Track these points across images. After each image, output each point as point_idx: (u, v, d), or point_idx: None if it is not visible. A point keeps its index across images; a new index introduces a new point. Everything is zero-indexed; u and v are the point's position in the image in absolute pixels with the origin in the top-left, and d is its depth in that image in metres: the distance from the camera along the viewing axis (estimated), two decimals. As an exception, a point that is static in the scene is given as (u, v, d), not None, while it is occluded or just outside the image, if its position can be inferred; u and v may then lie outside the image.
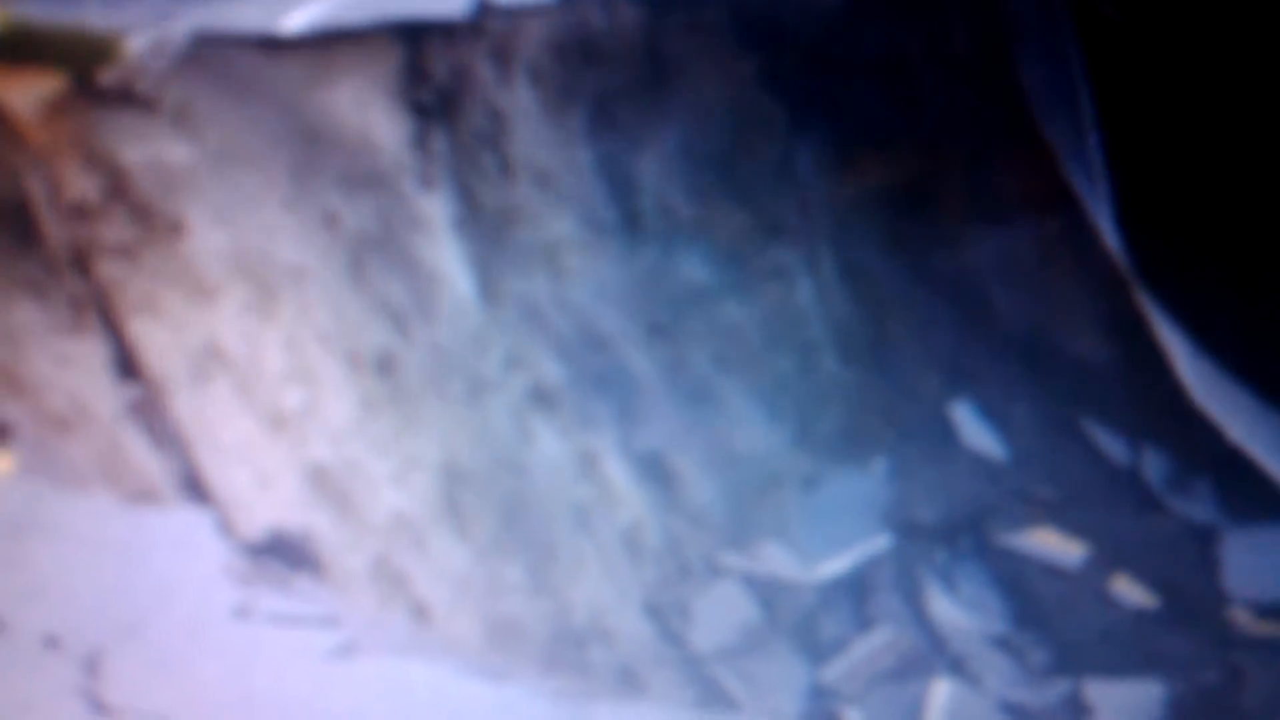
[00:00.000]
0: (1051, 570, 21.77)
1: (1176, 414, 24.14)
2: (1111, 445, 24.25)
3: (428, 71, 23.56)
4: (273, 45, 22.99)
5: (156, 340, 17.06)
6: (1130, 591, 21.31)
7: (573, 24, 25.89)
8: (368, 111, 22.66)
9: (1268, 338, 24.33)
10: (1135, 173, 26.55)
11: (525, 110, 24.62)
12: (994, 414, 24.64)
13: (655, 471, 22.26)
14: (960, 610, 20.99)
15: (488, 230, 23.14)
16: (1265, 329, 24.43)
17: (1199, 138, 26.36)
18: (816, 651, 20.16)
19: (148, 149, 18.90)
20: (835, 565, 21.48)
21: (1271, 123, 25.67)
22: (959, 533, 22.40)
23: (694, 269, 25.13)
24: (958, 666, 19.96)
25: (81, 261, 17.12)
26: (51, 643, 11.59)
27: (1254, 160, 25.73)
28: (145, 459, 15.65)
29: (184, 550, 13.91)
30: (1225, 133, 26.23)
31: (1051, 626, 20.75)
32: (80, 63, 19.93)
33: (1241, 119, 26.16)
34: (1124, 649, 20.24)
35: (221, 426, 16.91)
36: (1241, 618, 20.81)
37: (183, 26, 22.71)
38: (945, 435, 24.33)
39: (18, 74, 19.53)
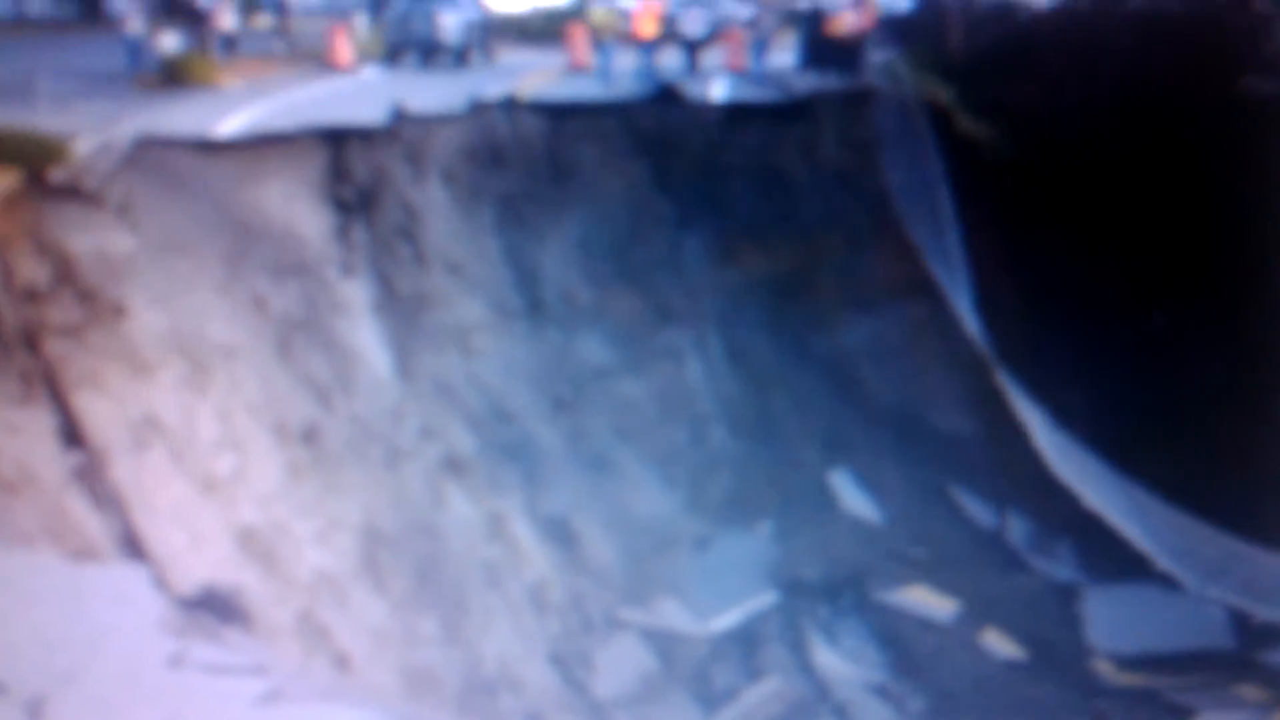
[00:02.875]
0: (926, 624, 21.73)
1: (1036, 482, 24.24)
2: (978, 510, 24.31)
3: (349, 171, 23.51)
4: (208, 147, 22.88)
5: (99, 412, 16.85)
6: (999, 644, 21.26)
7: (480, 131, 25.94)
8: (294, 206, 22.53)
9: (1114, 412, 24.43)
10: (990, 263, 26.70)
11: (438, 206, 24.58)
12: (869, 481, 24.67)
13: (559, 533, 22.13)
14: (842, 661, 20.88)
15: (404, 313, 23.05)
16: (1112, 405, 24.53)
17: (1046, 234, 26.55)
18: (710, 699, 20.00)
19: (93, 239, 18.75)
20: (726, 619, 21.35)
21: (1107, 216, 25.94)
22: (840, 589, 22.33)
23: (594, 349, 25.11)
24: (841, 713, 19.84)
25: (31, 340, 16.89)
26: (-2, 689, 11.29)
27: (1098, 251, 25.92)
28: (87, 519, 15.39)
29: (122, 604, 13.64)
30: (1069, 229, 26.44)
31: (927, 676, 20.69)
32: (32, 161, 19.73)
33: (1082, 216, 26.39)
34: (995, 697, 20.20)
35: (158, 490, 16.68)
36: (1103, 668, 20.84)
37: (127, 130, 22.55)
38: (825, 500, 24.32)
39: (-26, 172, 19.30)
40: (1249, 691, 19.90)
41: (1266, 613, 21.31)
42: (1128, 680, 20.59)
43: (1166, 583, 22.30)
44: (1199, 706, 19.42)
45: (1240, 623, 21.46)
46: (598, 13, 44.27)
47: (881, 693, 20.44)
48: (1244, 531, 21.97)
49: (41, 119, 23.53)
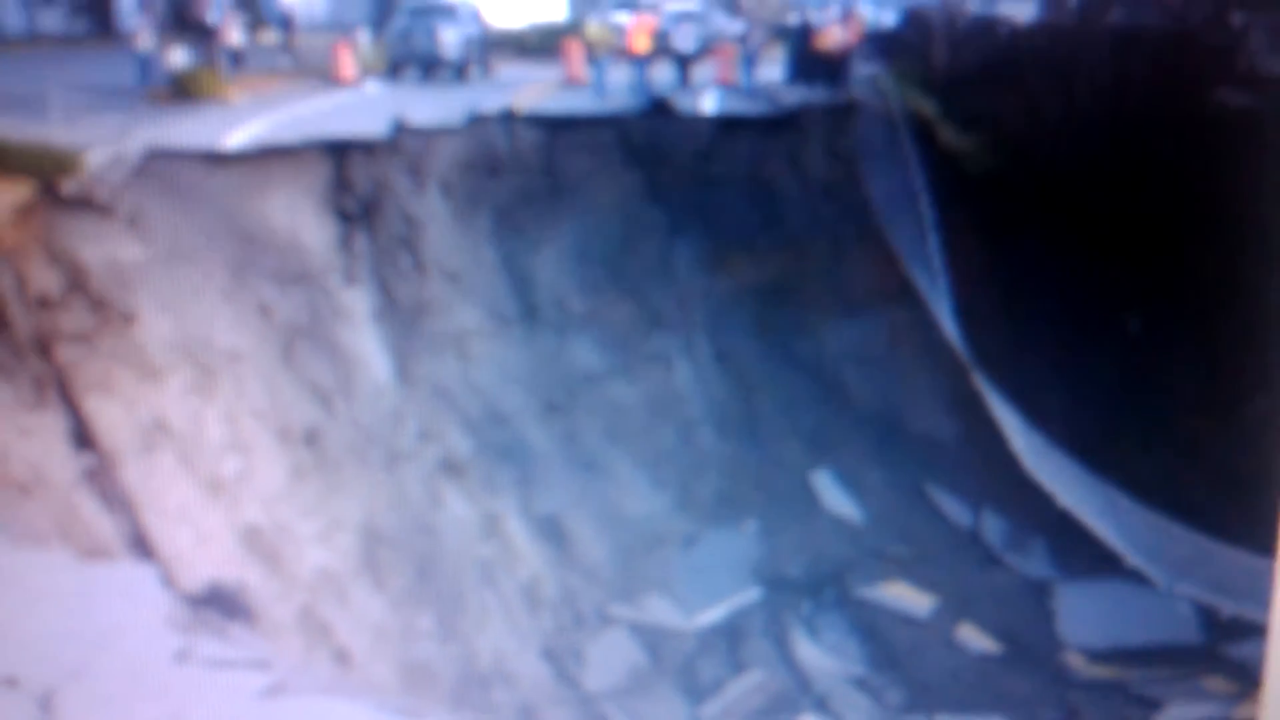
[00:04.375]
0: (904, 619, 21.82)
1: (1012, 482, 24.26)
2: (955, 509, 24.38)
3: (351, 183, 23.54)
4: (216, 159, 22.91)
5: (109, 415, 16.90)
6: (975, 638, 21.35)
7: (478, 143, 25.96)
8: (298, 216, 22.57)
9: (1088, 415, 24.51)
10: (969, 270, 26.76)
11: (437, 216, 24.61)
12: (851, 481, 24.73)
13: (552, 532, 22.19)
14: (823, 655, 20.97)
15: (404, 320, 23.09)
16: (1086, 407, 24.62)
17: (1023, 242, 26.64)
18: (696, 691, 20.08)
19: (104, 248, 18.79)
20: (712, 615, 21.44)
21: (1083, 225, 26.02)
22: (822, 586, 22.42)
23: (586, 354, 25.14)
24: (822, 705, 19.91)
25: (44, 346, 16.95)
26: (10, 683, 11.33)
27: (1074, 259, 26.00)
28: (97, 519, 15.44)
29: (130, 601, 13.66)
30: (1046, 237, 26.53)
31: (905, 669, 20.78)
32: (45, 174, 19.78)
33: (1059, 225, 26.48)
34: (970, 689, 20.28)
35: (166, 491, 16.74)
36: (1075, 661, 20.93)
37: (137, 143, 22.58)
38: (808, 500, 24.38)
39: (-11, 183, 19.37)
40: (1216, 684, 20.00)
41: (1233, 608, 21.37)
42: (1098, 673, 20.69)
43: (1137, 579, 22.37)
44: (1167, 698, 19.53)
45: (1207, 617, 21.56)
46: (593, 28, 44.25)
47: (861, 685, 20.52)
48: (1212, 529, 22.01)
49: (54, 132, 23.61)
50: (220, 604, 14.88)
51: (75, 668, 11.82)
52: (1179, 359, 24.49)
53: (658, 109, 30.59)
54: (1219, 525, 21.89)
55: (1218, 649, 20.91)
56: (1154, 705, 19.30)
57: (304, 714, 12.34)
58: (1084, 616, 21.74)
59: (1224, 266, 23.94)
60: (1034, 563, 23.29)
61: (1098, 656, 20.96)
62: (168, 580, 14.70)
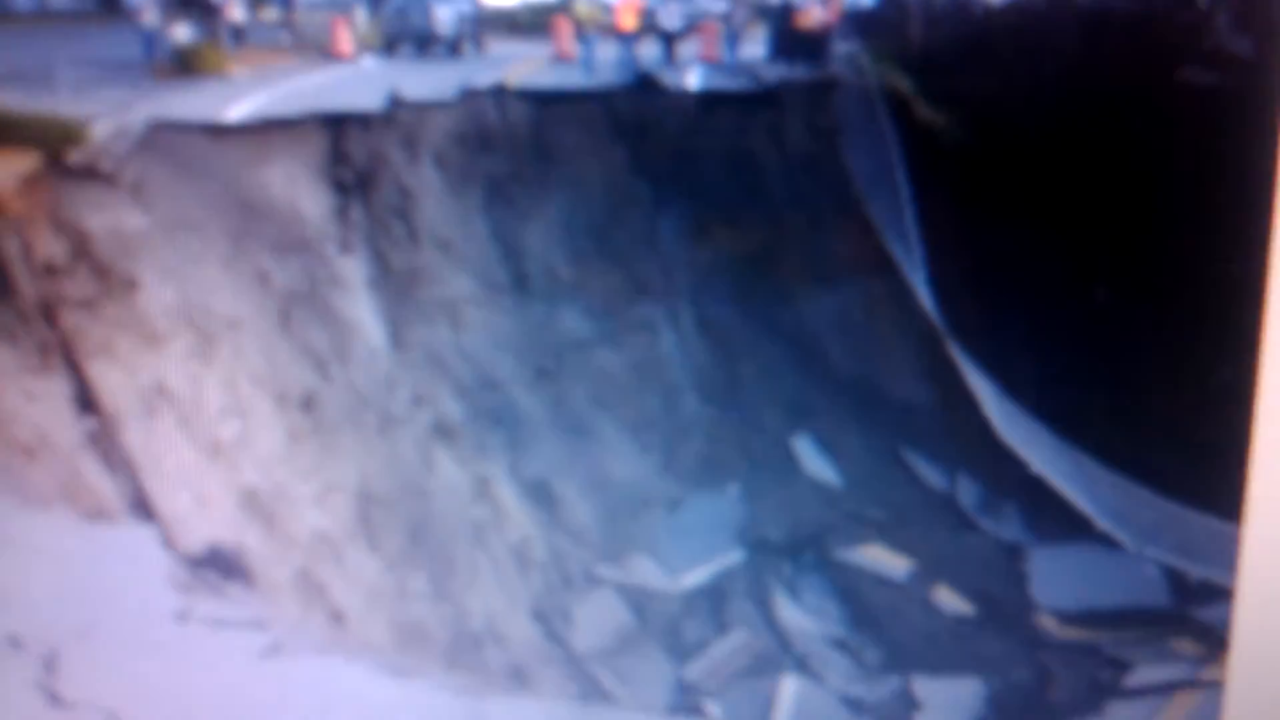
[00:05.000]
0: (881, 581, 21.74)
1: (986, 447, 24.21)
2: (931, 474, 24.30)
3: (348, 155, 23.38)
4: (217, 131, 22.73)
5: (111, 380, 16.73)
6: (950, 600, 21.28)
7: (471, 117, 25.82)
8: (296, 187, 22.41)
9: (1059, 383, 24.43)
10: (944, 242, 26.67)
11: (430, 188, 24.46)
12: (830, 447, 24.64)
13: (541, 495, 22.08)
14: (804, 616, 20.90)
15: (398, 288, 22.95)
16: (1057, 375, 24.53)
17: (997, 215, 26.54)
18: (681, 652, 20.01)
19: (108, 217, 18.63)
20: (696, 576, 21.35)
21: (1054, 198, 25.94)
22: (802, 548, 22.34)
23: (574, 322, 25.03)
24: (803, 665, 19.86)
25: (49, 312, 16.77)
26: (14, 643, 11.21)
27: (1046, 231, 25.93)
28: (100, 482, 15.29)
29: (132, 562, 13.56)
30: (1018, 210, 26.44)
31: (882, 630, 20.72)
32: (52, 144, 19.61)
33: (1031, 198, 26.39)
34: (946, 650, 20.23)
35: (166, 454, 16.58)
36: (1048, 623, 20.86)
37: (140, 115, 22.39)
38: (789, 465, 24.29)
39: (-3, 153, 19.21)
40: (1184, 645, 19.95)
41: (1200, 571, 21.34)
42: (1070, 635, 20.62)
43: (1107, 543, 22.33)
44: (1136, 660, 19.47)
45: (1176, 581, 21.51)
46: (582, 7, 44.10)
47: (840, 645, 20.48)
48: (1179, 495, 21.98)
49: (61, 105, 23.40)
50: (219, 565, 14.78)
51: (78, 627, 11.74)
52: (1146, 329, 24.41)
53: (644, 85, 30.44)
54: (1186, 491, 21.84)
55: (1186, 612, 20.84)
56: (1124, 666, 19.24)
57: (301, 673, 12.27)
58: (1056, 580, 21.68)
59: (1190, 240, 23.86)
60: (1007, 527, 23.23)
61: (1069, 619, 20.89)
62: (168, 541, 14.60)
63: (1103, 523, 22.61)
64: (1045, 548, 22.49)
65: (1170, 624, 20.55)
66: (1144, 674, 18.97)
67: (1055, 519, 22.96)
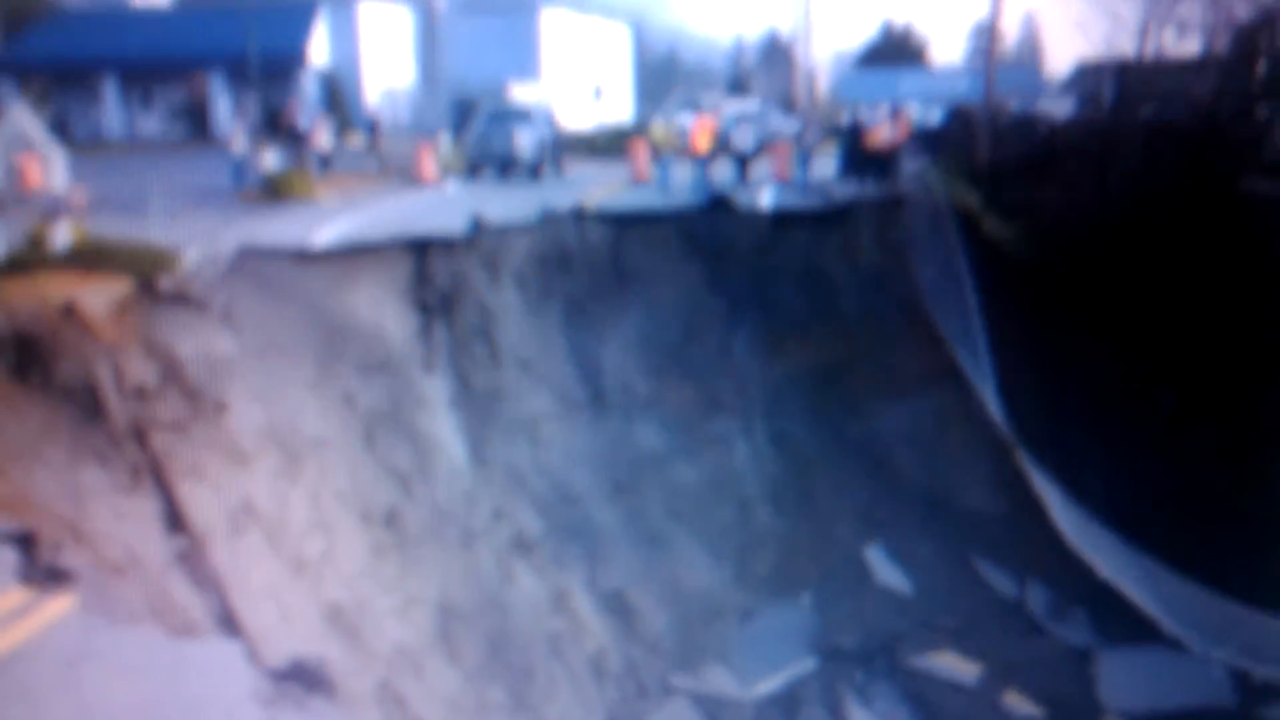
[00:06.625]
0: (953, 687, 21.50)
1: (1055, 554, 23.97)
2: (1001, 580, 24.07)
3: (431, 277, 23.62)
4: (304, 256, 23.03)
5: (200, 499, 16.89)
6: (1020, 704, 21.03)
7: (550, 239, 26.03)
8: (382, 309, 22.65)
9: (1126, 489, 24.26)
10: (1012, 352, 26.58)
11: (511, 308, 24.65)
12: (901, 555, 24.43)
13: (617, 606, 22.00)
14: (876, 721, 20.69)
15: (478, 406, 23.09)
16: (1124, 482, 24.37)
17: (1063, 325, 26.49)
18: (755, 758, 19.87)
19: (198, 341, 18.88)
20: (770, 684, 21.20)
21: (1119, 307, 25.87)
22: (874, 656, 22.13)
23: (650, 436, 25.05)
24: (875, 770, 19.68)
25: (139, 434, 16.98)
26: (104, 755, 11.30)
27: (1112, 340, 25.85)
28: (187, 599, 15.39)
29: (217, 676, 13.65)
30: (1085, 320, 26.38)
31: (954, 735, 20.48)
32: (143, 270, 19.93)
33: (1097, 308, 26.33)
34: (1016, 753, 20.03)
35: (253, 571, 16.70)
36: (1116, 726, 20.63)
37: (230, 241, 22.74)
38: (861, 574, 24.10)
39: (91, 279, 19.51)
40: (1249, 746, 19.74)
41: (1265, 672, 21.05)
42: (1138, 736, 20.44)
43: (1173, 645, 22.04)
44: (1203, 761, 19.28)
45: (1241, 681, 21.19)
46: (657, 130, 44.51)
47: (912, 751, 20.34)
48: (1244, 597, 21.75)
49: (153, 231, 23.79)
50: (302, 678, 14.78)
51: (166, 742, 11.79)
52: (1211, 436, 24.26)
53: (718, 205, 30.61)
54: (1250, 592, 21.62)
55: (1252, 712, 20.54)
56: (1191, 767, 19.04)
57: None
58: (1123, 682, 21.41)
59: (1255, 345, 23.76)
60: (1076, 631, 22.95)
61: (1136, 720, 20.69)
62: (253, 656, 14.66)
63: (1169, 625, 22.34)
64: (1113, 651, 22.18)
65: (1235, 724, 20.33)
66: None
67: (1123, 623, 22.65)
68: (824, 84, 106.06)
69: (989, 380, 26.64)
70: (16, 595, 13.36)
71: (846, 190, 34.23)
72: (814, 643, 22.36)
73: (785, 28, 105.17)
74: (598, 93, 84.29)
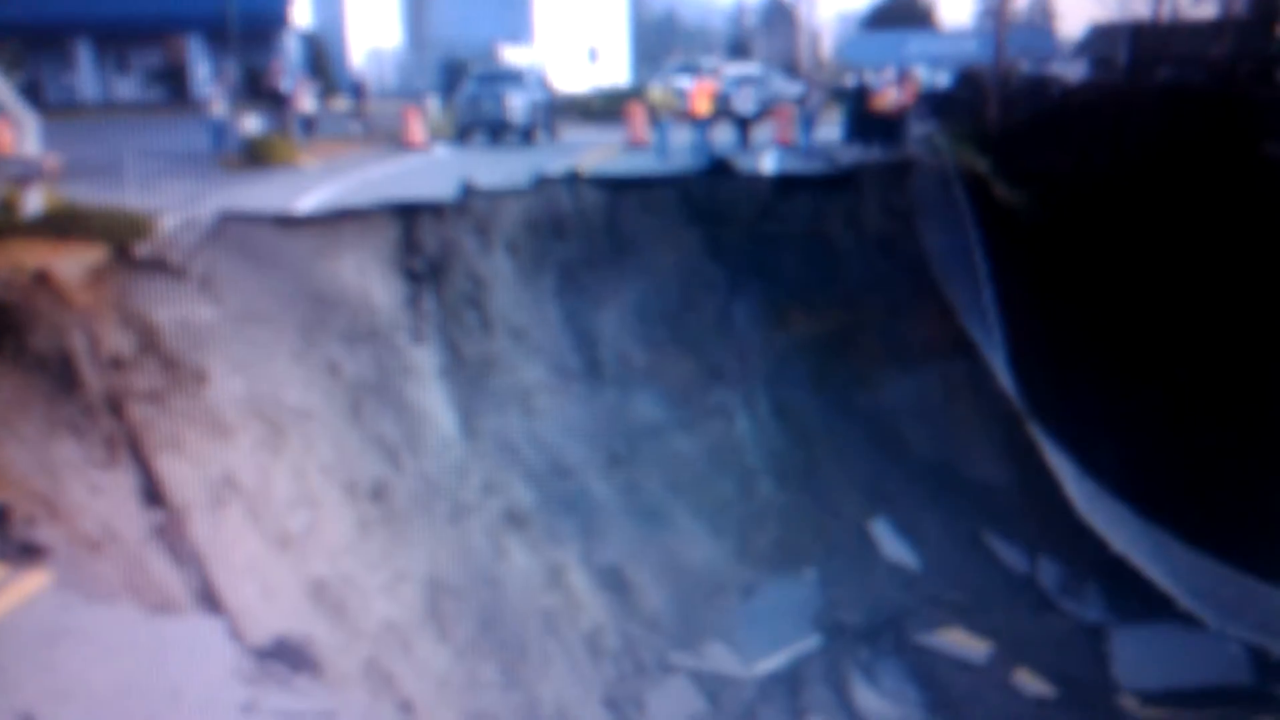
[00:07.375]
0: (961, 664, 21.48)
1: (1066, 528, 23.95)
2: (1010, 555, 24.06)
3: (420, 243, 23.52)
4: (287, 222, 22.94)
5: (179, 472, 16.83)
6: (1030, 682, 21.01)
7: (544, 204, 25.93)
8: (368, 277, 22.55)
9: (1140, 461, 24.22)
10: (1023, 321, 26.53)
11: (503, 275, 24.55)
12: (908, 529, 24.42)
13: (614, 581, 21.96)
14: (882, 701, 20.65)
15: (469, 376, 23.02)
16: (1138, 454, 24.33)
17: (1075, 294, 26.43)
18: (757, 739, 19.84)
19: (176, 310, 18.79)
20: (772, 662, 21.16)
21: (1133, 276, 25.82)
22: (880, 633, 22.10)
23: (648, 408, 25.01)
24: (880, 750, 19.67)
25: (116, 405, 16.91)
26: (80, 737, 11.28)
27: (1125, 309, 25.81)
28: (166, 575, 15.35)
29: (198, 654, 13.61)
30: (1097, 289, 26.33)
31: (962, 714, 20.46)
32: (120, 237, 19.85)
33: (1110, 276, 26.27)
34: (1026, 734, 20.02)
35: (234, 546, 16.65)
36: (1130, 704, 20.60)
37: (209, 207, 22.66)
38: (866, 548, 24.09)
39: (65, 247, 19.44)
40: (1266, 723, 19.74)
41: (1283, 648, 21.14)
42: (1152, 715, 20.30)
43: (1188, 622, 22.00)
44: (1220, 739, 19.28)
45: (1258, 659, 21.15)
46: (655, 92, 44.47)
47: (919, 731, 20.32)
48: (1261, 572, 21.74)
49: (129, 197, 23.72)
50: (286, 656, 14.74)
51: (145, 720, 11.77)
52: (1227, 407, 24.24)
53: (718, 169, 30.52)
54: (1267, 567, 21.62)
55: (1268, 689, 20.54)
56: (1208, 747, 19.04)
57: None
58: (1137, 659, 21.38)
59: (1272, 314, 23.72)
60: (1088, 607, 22.92)
61: (1151, 699, 20.58)
62: (235, 633, 14.62)
63: (1184, 601, 22.29)
64: (1127, 628, 22.15)
65: (1252, 702, 20.21)
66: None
67: (1137, 598, 22.60)
68: (828, 46, 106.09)
69: (999, 350, 26.59)
70: (-11, 572, 13.33)
71: (851, 155, 34.20)
72: (818, 619, 22.31)
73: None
74: (593, 54, 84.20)
